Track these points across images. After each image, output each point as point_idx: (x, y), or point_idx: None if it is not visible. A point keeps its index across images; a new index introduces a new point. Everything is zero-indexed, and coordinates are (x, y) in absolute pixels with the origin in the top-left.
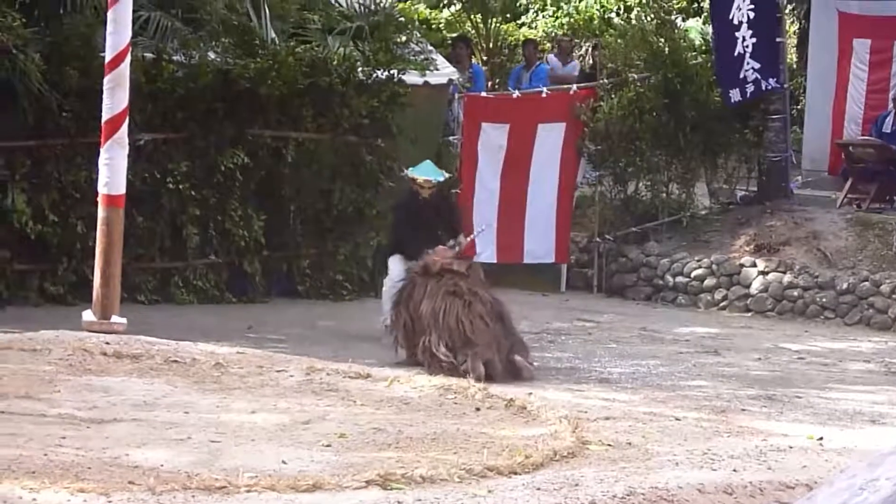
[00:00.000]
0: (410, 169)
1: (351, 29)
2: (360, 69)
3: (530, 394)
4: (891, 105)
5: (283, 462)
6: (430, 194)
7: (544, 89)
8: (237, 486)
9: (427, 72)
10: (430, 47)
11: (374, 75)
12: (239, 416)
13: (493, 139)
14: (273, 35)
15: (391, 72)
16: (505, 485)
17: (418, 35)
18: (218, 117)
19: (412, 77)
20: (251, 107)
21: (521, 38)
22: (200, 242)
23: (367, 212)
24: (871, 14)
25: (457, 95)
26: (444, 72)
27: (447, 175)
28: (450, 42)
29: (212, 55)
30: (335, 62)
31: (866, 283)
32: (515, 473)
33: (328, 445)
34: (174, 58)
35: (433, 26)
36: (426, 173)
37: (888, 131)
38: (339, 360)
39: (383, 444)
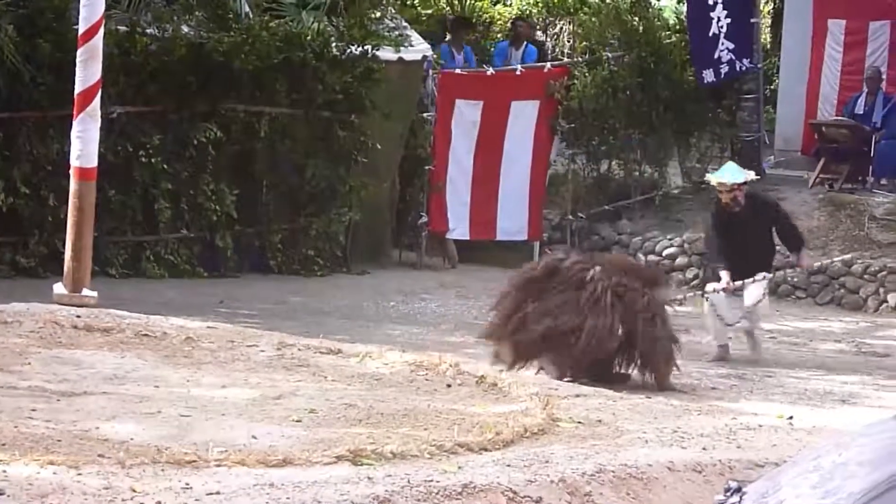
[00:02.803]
0: (709, 174)
1: (325, 4)
2: (334, 44)
3: (501, 370)
4: (864, 86)
5: (253, 437)
6: (732, 199)
7: (518, 66)
8: (207, 461)
9: (401, 48)
10: (405, 23)
11: (349, 51)
12: (209, 390)
13: (466, 116)
14: (247, 9)
15: (365, 47)
16: (475, 461)
17: (393, 11)
18: (191, 91)
19: (386, 53)
20: (224, 81)
21: (496, 15)
22: (172, 217)
23: (340, 188)
24: None
25: (431, 72)
26: (418, 48)
27: (751, 175)
28: (424, 18)
29: (185, 29)
30: (309, 37)
31: (837, 263)
32: (486, 450)
33: (298, 421)
34: (148, 31)
35: (408, 2)
36: (722, 175)
37: (861, 112)
38: (311, 336)
39: (354, 420)
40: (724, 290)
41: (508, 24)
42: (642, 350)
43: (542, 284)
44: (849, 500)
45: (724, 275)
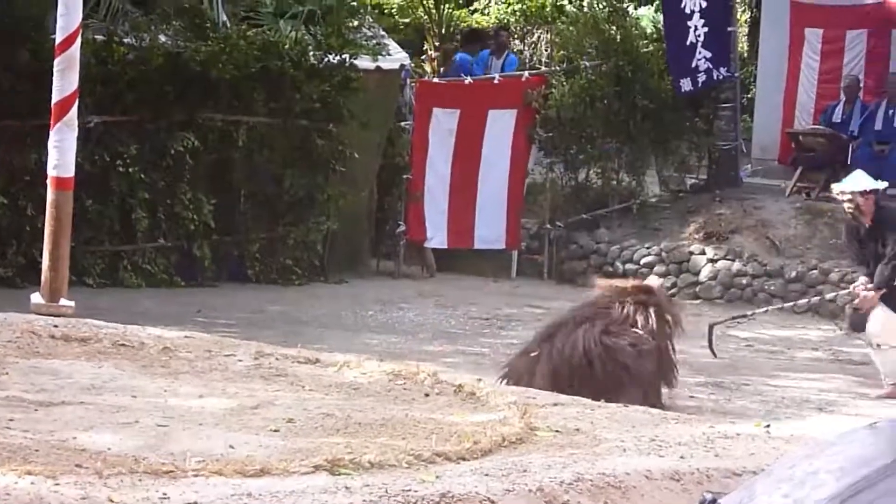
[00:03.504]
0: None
1: (303, 13)
2: (311, 53)
3: (479, 380)
4: (841, 94)
5: (231, 447)
6: (853, 207)
7: (496, 75)
8: (184, 471)
9: (379, 56)
10: (383, 32)
11: (326, 60)
12: (187, 400)
13: (444, 125)
14: (224, 18)
15: (343, 56)
16: (453, 470)
17: (370, 20)
18: (168, 100)
19: (364, 62)
20: (202, 90)
21: (474, 25)
22: (150, 226)
23: (318, 197)
24: (823, 3)
25: (408, 80)
26: (395, 57)
27: (876, 185)
28: (402, 27)
29: (163, 38)
30: (287, 46)
31: (815, 271)
32: (464, 459)
33: (276, 430)
34: (125, 40)
35: (385, 11)
36: (842, 183)
37: (838, 120)
38: (288, 345)
39: (332, 430)
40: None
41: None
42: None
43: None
44: None
45: (861, 283)
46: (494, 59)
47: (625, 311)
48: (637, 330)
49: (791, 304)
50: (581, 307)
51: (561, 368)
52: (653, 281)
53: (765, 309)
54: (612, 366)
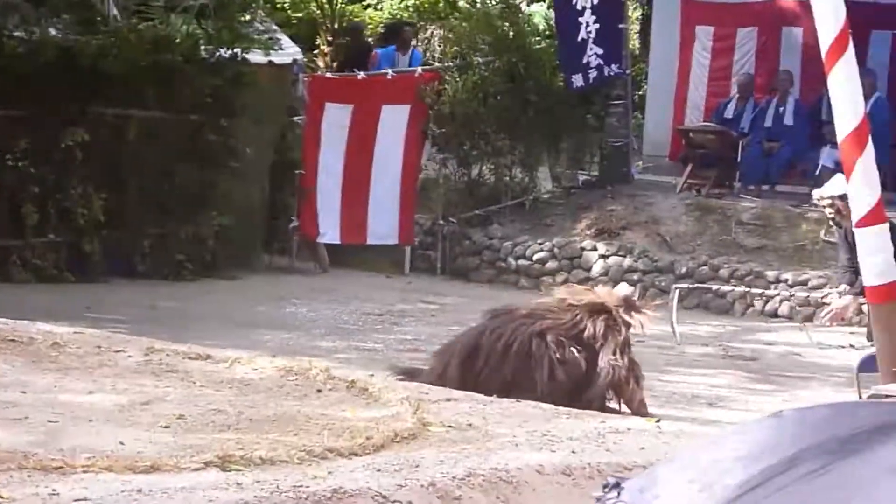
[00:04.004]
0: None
1: (195, 7)
2: (203, 48)
3: (372, 375)
4: (734, 91)
5: (121, 443)
6: (834, 212)
7: (389, 71)
8: (74, 467)
9: (271, 51)
10: (275, 26)
11: (218, 54)
12: (77, 396)
13: (336, 120)
14: (115, 12)
15: (235, 51)
16: (345, 466)
17: (263, 14)
18: (59, 95)
19: (256, 56)
20: (93, 84)
21: (367, 20)
22: (39, 221)
23: (210, 192)
24: (714, 1)
25: (301, 75)
26: (288, 51)
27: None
28: (294, 21)
29: (53, 32)
30: (178, 40)
31: (705, 267)
32: (356, 455)
33: (167, 426)
34: (15, 34)
35: (278, 5)
36: (824, 189)
37: (730, 116)
38: (179, 341)
39: (223, 426)
40: (831, 319)
41: (380, 29)
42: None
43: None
44: (724, 492)
45: (843, 295)
46: (400, 54)
47: (576, 319)
48: (578, 343)
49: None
50: (536, 306)
51: (479, 346)
52: (621, 291)
53: None
54: (522, 365)
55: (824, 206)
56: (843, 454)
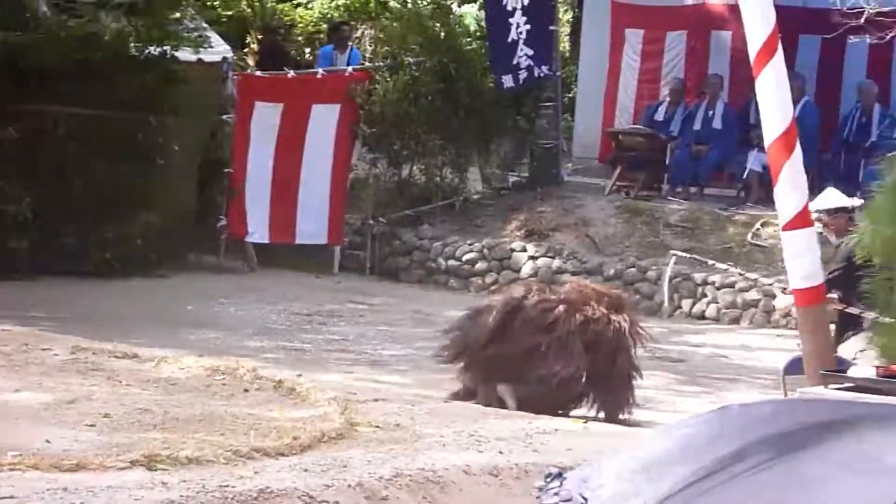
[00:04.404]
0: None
1: (125, 4)
2: (132, 45)
3: (300, 375)
4: (665, 94)
5: (47, 441)
6: (824, 227)
7: (319, 70)
8: (0, 465)
9: (201, 49)
10: (205, 24)
11: (147, 51)
12: (3, 394)
13: (266, 119)
14: (44, 9)
15: (164, 48)
16: (272, 466)
17: (192, 12)
18: None
19: (186, 54)
20: (20, 81)
21: (297, 18)
22: None
23: (138, 190)
24: (643, 4)
25: (231, 73)
26: (218, 49)
27: (854, 201)
28: (225, 20)
29: None
30: (107, 37)
31: (633, 269)
32: (283, 455)
33: (93, 425)
34: None
35: (208, 3)
36: (814, 202)
37: (660, 119)
38: (106, 340)
39: (149, 425)
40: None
41: (309, 27)
42: (600, 392)
43: (505, 323)
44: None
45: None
46: (338, 53)
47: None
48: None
49: None
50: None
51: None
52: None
53: None
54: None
55: (820, 221)
56: (789, 449)
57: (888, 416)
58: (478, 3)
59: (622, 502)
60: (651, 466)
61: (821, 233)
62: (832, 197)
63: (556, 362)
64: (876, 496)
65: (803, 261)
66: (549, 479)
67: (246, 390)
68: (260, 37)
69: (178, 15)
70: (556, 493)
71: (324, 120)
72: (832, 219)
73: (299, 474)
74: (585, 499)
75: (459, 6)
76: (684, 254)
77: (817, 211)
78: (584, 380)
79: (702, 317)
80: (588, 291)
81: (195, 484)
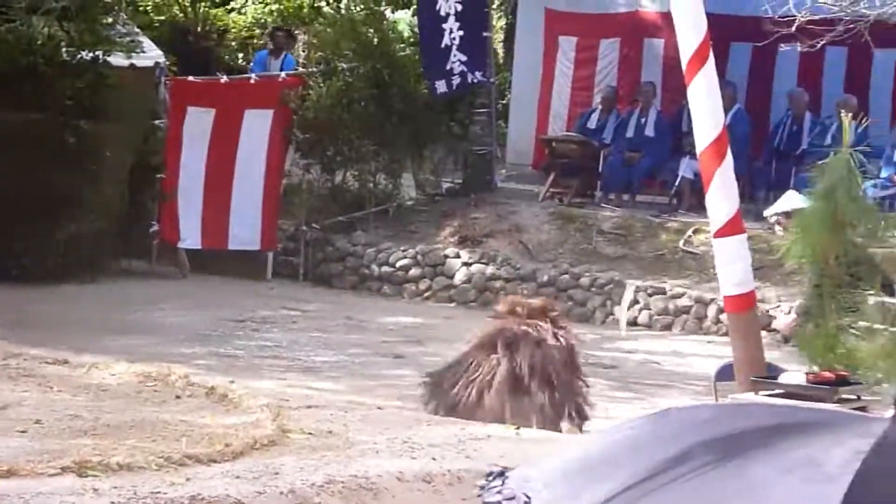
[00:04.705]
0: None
1: (57, 9)
2: (65, 50)
3: (232, 381)
4: (597, 101)
5: None
6: (784, 230)
7: (253, 75)
8: None
9: (133, 54)
10: (137, 29)
11: (80, 56)
12: None
13: (198, 123)
14: None
15: (97, 53)
16: (204, 473)
17: (125, 17)
18: None
19: (118, 59)
20: None
21: (231, 24)
22: None
23: (69, 195)
24: (577, 11)
25: (163, 78)
26: (150, 54)
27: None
28: (156, 24)
29: None
30: (40, 42)
31: (566, 275)
32: (215, 462)
33: (23, 431)
34: None
35: (140, 8)
36: (774, 206)
37: (593, 127)
38: (36, 346)
39: (80, 431)
40: None
41: (242, 33)
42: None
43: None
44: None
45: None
46: (272, 59)
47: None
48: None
49: None
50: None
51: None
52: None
53: None
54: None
55: (773, 224)
56: (734, 452)
57: (832, 422)
58: (411, 9)
59: (565, 502)
60: (594, 467)
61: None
62: (788, 200)
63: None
64: (819, 501)
65: (734, 267)
66: (491, 478)
67: (178, 397)
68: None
69: (110, 20)
70: (498, 492)
71: (257, 125)
72: (789, 222)
73: (231, 481)
74: (529, 497)
75: (393, 12)
76: (642, 283)
77: (776, 214)
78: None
79: (634, 323)
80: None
81: (126, 490)
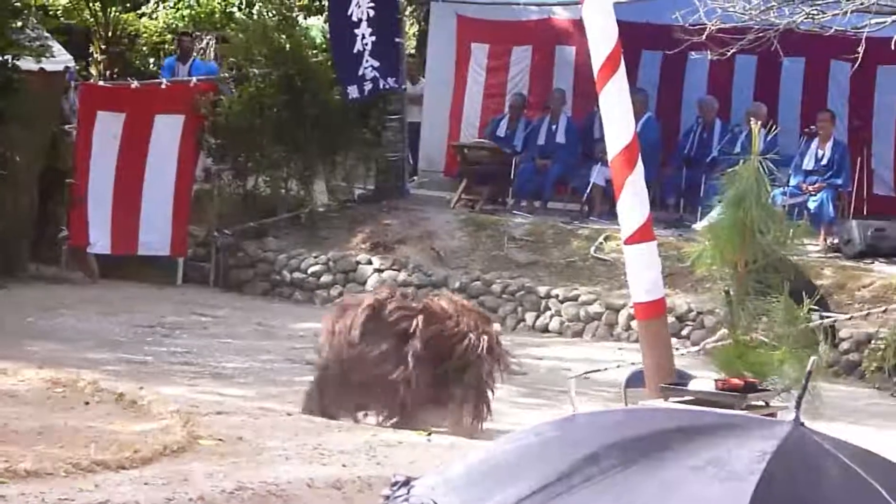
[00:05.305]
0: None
1: None
2: None
3: (141, 388)
4: (507, 109)
5: None
6: None
7: (164, 80)
8: None
9: (43, 58)
10: (47, 34)
11: None
12: None
13: (108, 128)
14: None
15: (5, 57)
16: (112, 479)
17: (35, 21)
18: None
19: (27, 63)
20: None
21: (142, 28)
22: None
23: None
24: (489, 19)
25: (73, 83)
26: (60, 59)
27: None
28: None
29: None
30: None
31: (478, 282)
32: (123, 468)
33: None
34: None
35: (50, 12)
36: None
37: (502, 135)
38: None
39: None
40: None
41: (154, 38)
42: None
43: (364, 327)
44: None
45: None
46: (180, 65)
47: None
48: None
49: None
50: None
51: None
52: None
53: None
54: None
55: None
56: (642, 453)
57: (737, 425)
58: (324, 15)
59: None
60: (501, 471)
61: None
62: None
63: (414, 367)
64: (727, 499)
65: (645, 274)
66: (395, 487)
67: (87, 403)
68: (104, 46)
69: (20, 24)
70: (405, 500)
71: (167, 130)
72: None
73: (140, 487)
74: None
75: (306, 18)
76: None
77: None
78: (416, 387)
79: (545, 330)
80: (453, 306)
81: (34, 497)
